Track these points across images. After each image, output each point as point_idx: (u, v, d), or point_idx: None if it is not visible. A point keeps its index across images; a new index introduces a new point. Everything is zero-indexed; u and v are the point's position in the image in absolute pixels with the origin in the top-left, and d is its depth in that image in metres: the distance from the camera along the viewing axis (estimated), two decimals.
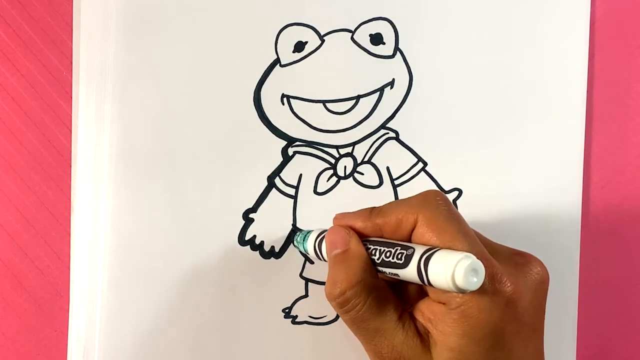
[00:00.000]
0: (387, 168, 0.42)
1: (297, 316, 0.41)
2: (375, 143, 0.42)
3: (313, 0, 0.41)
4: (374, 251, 0.34)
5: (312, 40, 0.41)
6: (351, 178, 0.42)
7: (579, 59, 0.43)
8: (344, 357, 0.42)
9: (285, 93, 0.41)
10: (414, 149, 0.42)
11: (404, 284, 0.36)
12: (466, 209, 0.42)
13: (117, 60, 0.40)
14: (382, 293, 0.34)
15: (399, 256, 0.32)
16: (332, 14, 0.41)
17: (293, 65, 0.41)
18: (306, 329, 0.42)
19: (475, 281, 0.29)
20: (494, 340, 0.31)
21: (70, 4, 0.41)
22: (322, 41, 0.41)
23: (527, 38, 0.43)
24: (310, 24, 0.41)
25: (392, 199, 0.42)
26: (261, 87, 0.41)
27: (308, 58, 0.41)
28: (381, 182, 0.42)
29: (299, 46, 0.41)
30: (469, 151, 0.42)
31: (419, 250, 0.31)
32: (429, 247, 0.31)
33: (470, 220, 0.43)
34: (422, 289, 0.35)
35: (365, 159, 0.42)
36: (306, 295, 0.41)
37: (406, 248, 0.32)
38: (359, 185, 0.42)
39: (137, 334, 0.40)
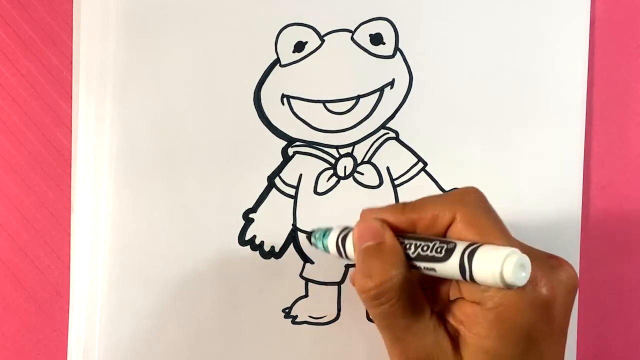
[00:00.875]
0: (387, 168, 0.42)
1: (297, 316, 0.41)
2: (375, 143, 0.42)
3: (313, 0, 0.41)
4: (408, 245, 0.33)
5: (312, 40, 0.41)
6: (351, 178, 0.42)
7: (579, 59, 0.43)
8: (344, 357, 0.42)
9: (285, 93, 0.41)
10: (414, 149, 0.42)
11: (431, 284, 0.35)
12: None
13: (117, 60, 0.40)
14: (415, 290, 0.33)
15: (439, 249, 0.31)
16: (332, 14, 0.41)
17: (293, 65, 0.41)
18: (306, 329, 0.42)
19: (524, 276, 0.28)
20: (529, 342, 0.31)
21: (70, 4, 0.41)
22: (322, 41, 0.41)
23: (527, 38, 0.43)
24: (310, 24, 0.41)
25: (392, 199, 0.42)
26: (261, 87, 0.41)
27: (308, 58, 0.41)
28: (381, 182, 0.42)
29: (299, 46, 0.41)
30: (469, 151, 0.42)
31: (461, 245, 0.30)
32: (470, 242, 0.30)
33: None
34: (450, 291, 0.34)
35: (365, 159, 0.42)
36: (306, 295, 0.41)
37: (446, 242, 0.31)
38: (359, 186, 0.42)
39: (136, 334, 0.40)
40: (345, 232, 0.36)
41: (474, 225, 0.31)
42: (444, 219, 0.32)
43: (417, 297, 0.33)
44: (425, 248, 0.32)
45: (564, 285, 0.32)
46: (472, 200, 0.32)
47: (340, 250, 0.36)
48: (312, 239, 0.38)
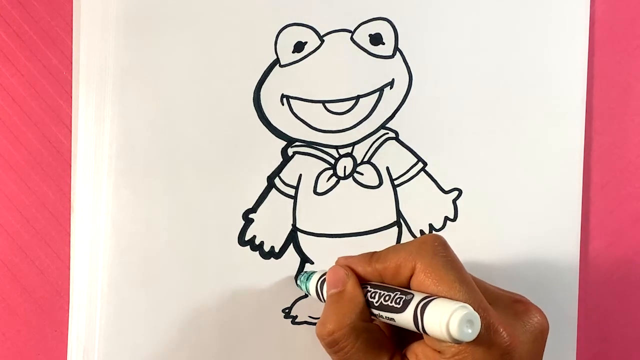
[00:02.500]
0: (387, 168, 0.42)
1: (297, 316, 0.41)
2: (375, 143, 0.42)
3: (313, 0, 0.41)
4: (373, 294, 0.34)
5: (312, 41, 0.41)
6: (351, 178, 0.42)
7: (579, 59, 0.43)
8: None
9: (285, 93, 0.41)
10: (413, 149, 0.42)
11: (401, 327, 0.36)
12: (466, 209, 0.42)
13: (117, 60, 0.40)
14: (373, 335, 0.34)
15: (397, 301, 0.32)
16: (331, 14, 0.41)
17: (293, 65, 0.41)
18: (306, 329, 0.42)
19: (470, 332, 0.29)
20: None
21: (70, 4, 0.41)
22: (322, 41, 0.41)
23: (527, 38, 0.43)
24: (309, 24, 0.41)
25: (392, 199, 0.42)
26: (261, 87, 0.41)
27: (308, 58, 0.41)
28: (381, 182, 0.42)
29: (299, 46, 0.41)
30: (469, 151, 0.42)
31: (417, 297, 0.31)
32: (427, 294, 0.31)
33: (470, 221, 0.43)
34: (418, 334, 0.34)
35: (365, 159, 0.42)
36: (306, 295, 0.41)
37: (405, 293, 0.32)
38: (359, 186, 0.42)
39: (137, 334, 0.40)
40: (324, 277, 0.37)
41: (432, 276, 0.32)
42: (405, 269, 0.33)
43: (377, 342, 0.34)
44: (387, 298, 0.33)
45: (529, 332, 0.32)
46: (431, 250, 0.33)
47: (319, 294, 0.38)
48: (298, 282, 0.41)
